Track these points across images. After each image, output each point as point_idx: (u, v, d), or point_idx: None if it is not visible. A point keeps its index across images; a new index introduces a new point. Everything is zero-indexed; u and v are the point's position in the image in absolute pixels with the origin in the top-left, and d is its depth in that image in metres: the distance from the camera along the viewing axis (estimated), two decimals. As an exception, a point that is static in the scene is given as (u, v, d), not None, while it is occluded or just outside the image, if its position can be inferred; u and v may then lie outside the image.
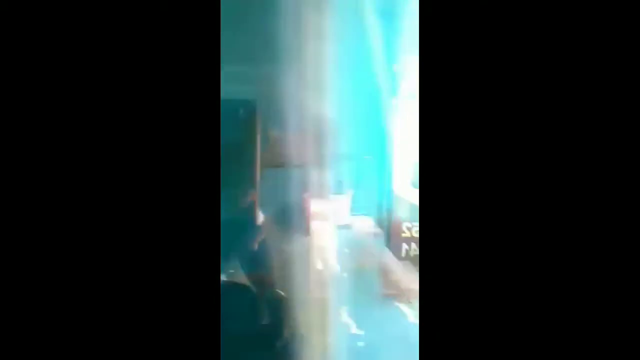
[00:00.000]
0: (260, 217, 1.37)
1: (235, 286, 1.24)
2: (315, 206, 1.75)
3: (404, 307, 1.41)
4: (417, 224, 2.15)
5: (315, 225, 1.58)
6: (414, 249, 2.19)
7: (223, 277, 1.18)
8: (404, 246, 2.17)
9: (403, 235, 2.12)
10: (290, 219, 1.47)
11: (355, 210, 1.97)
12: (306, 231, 1.47)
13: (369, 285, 1.48)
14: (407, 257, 2.16)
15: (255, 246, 1.32)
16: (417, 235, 2.17)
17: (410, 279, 1.71)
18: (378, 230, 1.90)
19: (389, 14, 1.88)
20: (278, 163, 1.42)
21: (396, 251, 2.06)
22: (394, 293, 1.59)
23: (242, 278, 1.21)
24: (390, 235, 2.08)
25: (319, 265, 1.41)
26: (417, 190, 2.01)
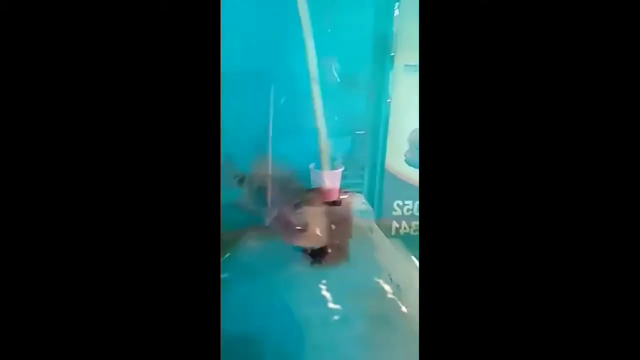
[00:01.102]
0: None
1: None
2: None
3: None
4: (410, 202, 2.15)
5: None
6: (404, 226, 2.20)
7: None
8: (394, 224, 2.17)
9: (394, 213, 2.11)
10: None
11: (346, 186, 1.93)
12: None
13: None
14: (397, 235, 2.16)
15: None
16: (408, 213, 2.17)
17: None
18: (368, 207, 1.86)
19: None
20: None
21: (386, 229, 2.06)
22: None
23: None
24: (381, 212, 2.07)
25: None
26: (410, 168, 2.01)
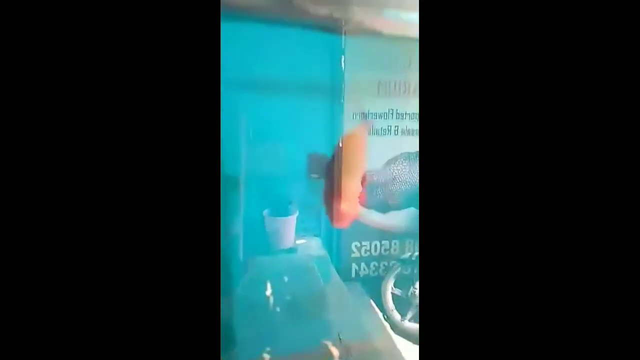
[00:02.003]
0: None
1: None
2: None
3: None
4: (367, 242, 2.15)
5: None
6: (364, 268, 2.18)
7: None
8: (353, 266, 2.15)
9: (352, 255, 2.10)
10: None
11: (301, 231, 1.91)
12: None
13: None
14: (357, 278, 2.14)
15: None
16: (366, 254, 2.16)
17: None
18: (324, 252, 1.84)
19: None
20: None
21: (345, 272, 2.03)
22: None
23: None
24: (340, 254, 2.05)
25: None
26: (364, 209, 2.03)
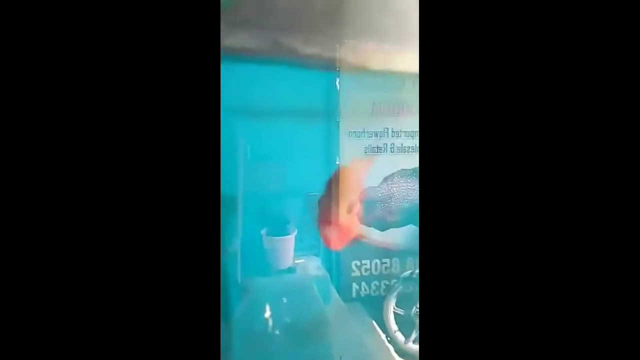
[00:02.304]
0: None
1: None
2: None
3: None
4: (367, 261, 2.12)
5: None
6: (364, 288, 2.14)
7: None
8: (354, 286, 2.10)
9: (352, 274, 2.06)
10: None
11: (300, 250, 1.88)
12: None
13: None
14: (358, 297, 2.09)
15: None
16: (366, 273, 2.12)
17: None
18: (324, 271, 1.80)
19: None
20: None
21: (345, 292, 1.98)
22: None
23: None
24: (340, 274, 2.01)
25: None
26: (363, 226, 2.02)
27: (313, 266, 1.80)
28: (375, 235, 2.03)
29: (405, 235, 2.09)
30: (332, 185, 1.95)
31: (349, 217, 1.95)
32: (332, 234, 1.94)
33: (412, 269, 2.05)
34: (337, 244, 1.89)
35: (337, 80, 1.87)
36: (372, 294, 2.03)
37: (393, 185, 2.05)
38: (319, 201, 1.87)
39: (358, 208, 1.99)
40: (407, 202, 2.08)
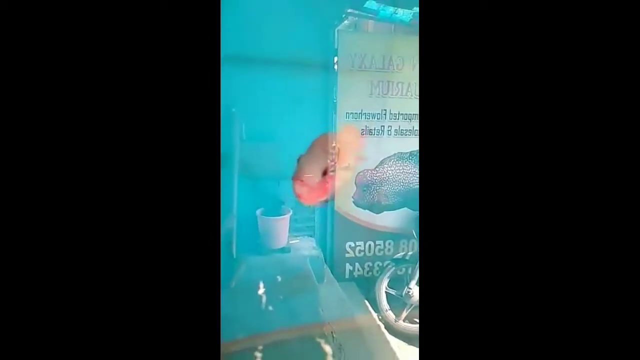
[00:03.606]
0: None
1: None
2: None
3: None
4: (361, 242, 2.14)
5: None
6: (358, 269, 2.17)
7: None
8: (347, 266, 2.13)
9: (346, 255, 2.09)
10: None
11: (295, 231, 1.89)
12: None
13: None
14: (351, 278, 2.12)
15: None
16: (360, 254, 2.15)
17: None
18: (318, 252, 1.82)
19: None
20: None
21: (339, 272, 2.01)
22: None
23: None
24: (333, 255, 2.04)
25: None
26: (359, 209, 2.03)
27: (307, 246, 1.82)
28: (369, 218, 2.04)
29: (400, 218, 2.11)
30: (315, 146, 1.93)
31: (324, 179, 1.94)
32: (304, 190, 1.93)
33: (406, 251, 2.08)
34: (308, 200, 1.90)
35: (335, 59, 1.82)
36: (365, 274, 2.07)
37: (389, 169, 2.05)
38: (298, 159, 1.85)
39: (353, 190, 1.99)
40: (402, 185, 2.08)
